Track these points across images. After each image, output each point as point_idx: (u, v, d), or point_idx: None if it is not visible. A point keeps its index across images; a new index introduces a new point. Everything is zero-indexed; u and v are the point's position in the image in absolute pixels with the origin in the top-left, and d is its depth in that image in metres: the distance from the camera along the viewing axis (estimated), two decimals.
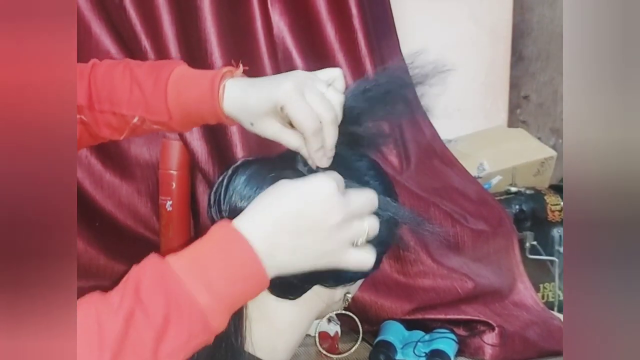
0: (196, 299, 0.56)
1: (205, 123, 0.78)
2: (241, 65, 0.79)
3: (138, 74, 0.80)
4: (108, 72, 0.81)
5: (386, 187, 0.73)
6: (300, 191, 0.61)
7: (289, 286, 0.69)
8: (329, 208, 0.60)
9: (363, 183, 0.70)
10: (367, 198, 0.63)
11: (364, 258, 0.63)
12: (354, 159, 0.73)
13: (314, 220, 0.60)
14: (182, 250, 0.59)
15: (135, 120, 0.79)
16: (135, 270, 0.58)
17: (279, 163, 0.70)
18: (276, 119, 0.70)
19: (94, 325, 0.54)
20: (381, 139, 0.75)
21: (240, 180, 0.68)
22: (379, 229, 0.67)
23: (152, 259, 0.59)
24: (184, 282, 0.56)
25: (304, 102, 0.67)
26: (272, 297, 0.70)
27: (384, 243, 0.72)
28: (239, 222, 0.60)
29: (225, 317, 0.59)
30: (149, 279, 0.57)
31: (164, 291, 0.56)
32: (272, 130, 0.70)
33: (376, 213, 0.67)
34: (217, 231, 0.60)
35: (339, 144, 0.70)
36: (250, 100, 0.72)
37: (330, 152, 0.69)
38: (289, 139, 0.70)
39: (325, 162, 0.69)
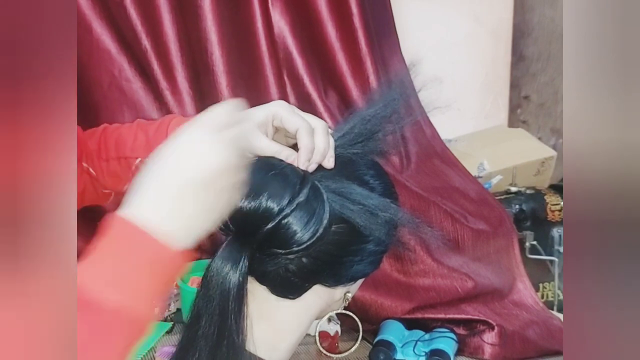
0: (106, 302, 0.54)
1: None
2: None
3: (144, 124, 0.87)
4: (118, 127, 0.90)
5: (386, 186, 0.74)
6: (167, 155, 0.58)
7: (289, 286, 0.69)
8: (210, 152, 0.58)
9: (363, 182, 0.70)
10: (224, 111, 0.61)
11: (270, 145, 0.66)
12: (353, 158, 0.73)
13: (208, 170, 0.58)
14: (88, 257, 0.57)
15: (137, 161, 0.84)
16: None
17: (280, 162, 0.70)
18: (261, 131, 0.72)
19: None
20: (388, 151, 0.76)
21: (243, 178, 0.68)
22: (379, 230, 0.68)
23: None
24: (93, 289, 0.54)
25: (296, 112, 0.71)
26: (273, 297, 0.70)
27: (382, 243, 0.72)
28: (126, 209, 0.57)
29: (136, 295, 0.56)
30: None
31: (81, 301, 0.53)
32: (258, 139, 0.71)
33: (375, 214, 0.67)
34: (111, 228, 0.57)
35: (338, 145, 0.71)
36: (242, 117, 0.74)
37: (320, 158, 0.69)
38: (272, 148, 0.71)
39: (311, 168, 0.69)
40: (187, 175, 0.57)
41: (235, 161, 0.59)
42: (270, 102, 0.74)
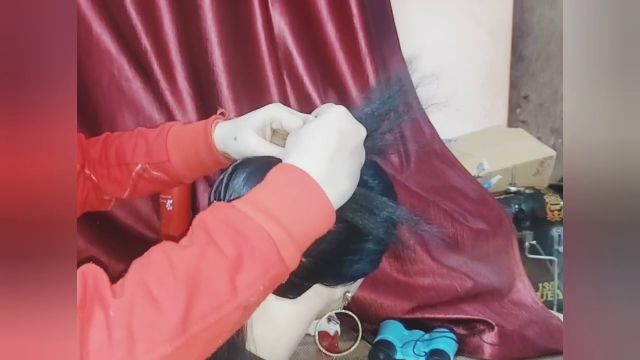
0: (265, 229, 0.56)
1: (200, 162, 0.83)
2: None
3: (145, 131, 0.90)
4: (119, 135, 0.92)
5: (385, 186, 0.74)
6: (327, 122, 0.64)
7: (289, 285, 0.69)
8: (355, 126, 0.65)
9: (362, 182, 0.70)
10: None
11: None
12: None
13: (348, 139, 0.64)
14: (247, 194, 0.60)
15: (138, 168, 0.86)
16: (200, 215, 0.58)
17: (278, 161, 0.70)
18: (258, 134, 0.73)
19: (165, 264, 0.54)
20: (386, 150, 0.76)
21: (240, 179, 0.68)
22: (378, 229, 0.68)
23: (216, 205, 0.59)
24: (251, 217, 0.57)
25: (294, 112, 0.74)
26: (272, 296, 0.70)
27: (382, 242, 0.72)
28: (295, 160, 0.62)
29: (296, 251, 0.59)
30: (216, 220, 0.57)
31: (232, 228, 0.56)
32: (254, 142, 0.73)
33: (374, 213, 0.67)
34: (277, 171, 0.61)
35: None
36: (239, 122, 0.77)
37: None
38: (268, 150, 0.73)
39: None
40: (349, 145, 0.64)
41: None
42: (266, 105, 0.75)
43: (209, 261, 0.54)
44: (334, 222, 0.62)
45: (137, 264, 0.54)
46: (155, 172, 0.86)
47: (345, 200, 0.63)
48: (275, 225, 0.57)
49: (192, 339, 0.52)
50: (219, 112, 0.86)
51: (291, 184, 0.60)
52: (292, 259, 0.58)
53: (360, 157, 0.65)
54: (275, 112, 0.74)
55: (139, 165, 0.86)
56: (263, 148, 0.72)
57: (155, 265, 0.54)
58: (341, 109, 0.65)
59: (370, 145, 0.73)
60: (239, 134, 0.74)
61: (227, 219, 0.57)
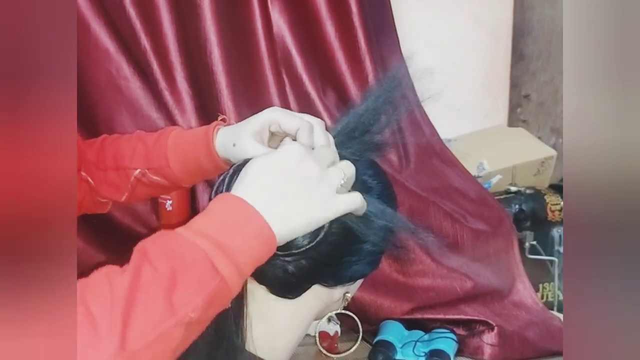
0: (198, 245, 0.57)
1: (200, 167, 0.83)
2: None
3: (144, 135, 0.89)
4: (117, 137, 0.91)
5: (384, 186, 0.73)
6: (277, 158, 0.64)
7: (288, 286, 0.69)
8: (305, 164, 0.63)
9: (361, 182, 0.70)
10: (331, 149, 0.68)
11: (352, 198, 0.65)
12: (352, 158, 0.72)
13: (298, 178, 0.63)
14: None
15: (137, 172, 0.86)
16: (141, 242, 0.59)
17: None
18: (256, 139, 0.73)
19: (104, 285, 0.54)
20: (384, 146, 0.76)
21: None
22: (375, 236, 0.67)
23: (157, 233, 0.60)
24: (185, 236, 0.57)
25: (291, 113, 0.73)
26: (272, 297, 0.70)
27: (378, 246, 0.72)
28: (238, 193, 0.62)
29: (232, 266, 0.58)
30: (152, 243, 0.58)
31: (167, 247, 0.57)
32: (252, 147, 0.73)
33: (371, 220, 0.67)
34: (216, 200, 0.61)
35: (337, 145, 0.71)
36: (238, 128, 0.77)
37: None
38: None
39: None
40: (294, 181, 0.63)
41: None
42: (264, 110, 0.75)
43: (144, 280, 0.54)
44: (275, 249, 0.61)
45: (80, 284, 0.55)
46: (154, 177, 0.85)
47: (297, 235, 0.63)
48: (207, 240, 0.57)
49: (134, 356, 0.52)
50: (220, 118, 0.85)
51: (228, 209, 0.60)
52: (230, 274, 0.58)
53: (319, 197, 0.63)
54: (272, 116, 0.74)
55: (138, 170, 0.86)
56: (260, 152, 0.72)
57: (95, 287, 0.54)
58: (296, 148, 0.64)
59: (368, 141, 0.73)
60: (238, 140, 0.74)
61: (162, 240, 0.58)
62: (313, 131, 0.70)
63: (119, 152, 0.88)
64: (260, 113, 0.75)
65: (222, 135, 0.80)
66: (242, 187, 0.62)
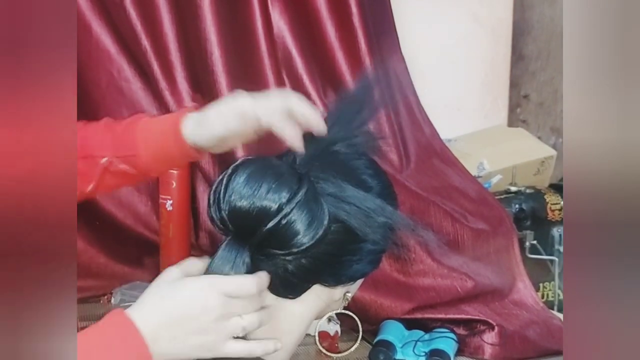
0: None
1: (168, 155, 0.82)
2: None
3: (112, 123, 0.86)
4: (84, 125, 0.87)
5: (384, 186, 0.73)
6: (183, 292, 0.65)
7: (288, 285, 0.69)
8: (205, 307, 0.64)
9: (360, 182, 0.70)
10: (249, 300, 0.67)
11: (243, 348, 0.67)
12: (351, 157, 0.72)
13: (191, 317, 0.64)
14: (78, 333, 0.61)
15: (104, 161, 0.83)
16: None
17: (278, 162, 0.70)
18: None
19: None
20: (377, 141, 0.76)
21: (240, 180, 0.68)
22: (375, 233, 0.67)
23: None
24: None
25: (259, 103, 0.74)
26: (272, 297, 0.70)
27: (378, 244, 0.72)
28: (132, 310, 0.64)
29: None
30: None
31: None
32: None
33: (370, 217, 0.67)
34: (110, 318, 0.63)
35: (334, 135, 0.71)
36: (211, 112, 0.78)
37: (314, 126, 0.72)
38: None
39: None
40: (186, 318, 0.64)
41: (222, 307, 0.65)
42: (278, 95, 0.75)
43: None
44: None
45: None
46: (122, 166, 0.83)
47: None
48: None
49: None
50: (192, 105, 0.85)
51: (116, 333, 0.62)
52: None
53: (199, 334, 0.65)
54: (291, 104, 0.74)
55: (105, 159, 0.83)
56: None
57: None
58: (205, 283, 0.65)
59: (352, 142, 0.73)
60: (215, 126, 0.76)
61: None
62: (292, 113, 0.72)
63: (86, 140, 0.85)
64: (276, 97, 0.75)
65: (191, 124, 0.79)
66: (140, 306, 0.64)
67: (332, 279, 0.72)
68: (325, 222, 0.66)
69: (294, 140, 0.71)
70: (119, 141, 0.83)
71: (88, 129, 0.87)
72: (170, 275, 0.67)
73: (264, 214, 0.65)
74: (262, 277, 0.67)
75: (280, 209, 0.65)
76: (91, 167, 0.84)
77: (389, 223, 0.69)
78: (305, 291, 0.71)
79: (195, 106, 0.82)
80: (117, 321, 0.63)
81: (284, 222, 0.65)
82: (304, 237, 0.65)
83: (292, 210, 0.65)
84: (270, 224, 0.65)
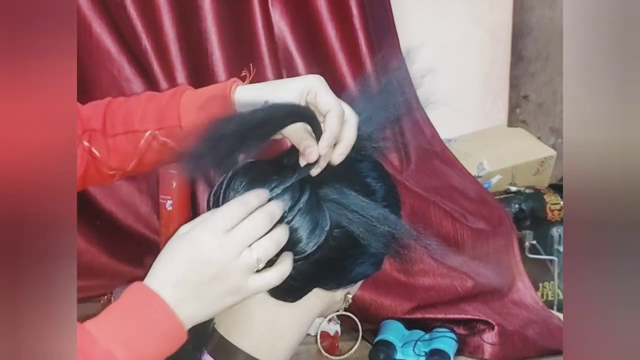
0: (114, 355, 0.57)
1: None
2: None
3: (153, 95, 0.82)
4: (125, 100, 0.84)
5: (388, 189, 0.73)
6: (184, 245, 0.63)
7: (289, 288, 0.69)
8: (208, 253, 0.62)
9: (364, 185, 0.70)
10: (253, 227, 0.63)
11: (267, 279, 0.64)
12: (355, 159, 0.72)
13: (201, 268, 0.62)
14: (99, 314, 0.60)
15: (147, 134, 0.79)
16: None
17: (279, 166, 0.70)
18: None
19: None
20: (384, 144, 0.75)
21: (243, 182, 0.67)
22: (377, 241, 0.67)
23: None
24: (100, 342, 0.57)
25: (331, 93, 0.69)
26: (272, 299, 0.70)
27: (379, 254, 0.71)
28: (149, 280, 0.62)
29: None
30: None
31: (82, 352, 0.56)
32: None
33: (374, 226, 0.67)
34: (130, 292, 0.62)
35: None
36: (273, 85, 0.73)
37: (346, 149, 0.68)
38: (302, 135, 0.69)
39: (327, 152, 0.67)
40: (202, 271, 0.62)
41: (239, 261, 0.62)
42: (306, 75, 0.72)
43: None
44: (185, 338, 0.62)
45: None
46: (164, 139, 0.79)
47: (201, 320, 0.64)
48: (123, 349, 0.58)
49: None
50: (242, 74, 0.81)
51: (142, 308, 0.61)
52: None
53: (225, 282, 0.62)
54: (315, 84, 0.70)
55: (149, 132, 0.79)
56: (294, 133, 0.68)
57: None
58: (206, 235, 0.62)
59: (368, 145, 0.73)
60: (274, 99, 0.69)
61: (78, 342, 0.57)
62: (343, 120, 0.68)
63: (129, 114, 0.81)
64: (301, 77, 0.72)
65: (245, 91, 0.75)
66: (159, 277, 0.62)
67: (333, 282, 0.72)
68: (327, 229, 0.65)
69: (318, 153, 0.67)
70: (162, 112, 0.79)
71: (129, 104, 0.83)
72: (179, 231, 0.65)
73: None
74: (255, 192, 0.64)
75: (282, 216, 0.64)
76: (134, 142, 0.81)
77: (392, 233, 0.68)
78: (305, 294, 0.71)
79: (245, 76, 0.80)
80: (139, 296, 0.61)
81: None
82: (307, 245, 0.65)
83: (294, 218, 0.65)
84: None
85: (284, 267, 0.64)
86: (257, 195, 0.64)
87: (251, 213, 0.63)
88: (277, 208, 0.64)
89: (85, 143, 0.83)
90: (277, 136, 0.70)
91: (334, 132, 0.67)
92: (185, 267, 0.62)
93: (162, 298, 0.60)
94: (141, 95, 0.83)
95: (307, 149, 0.66)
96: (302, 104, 0.70)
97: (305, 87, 0.70)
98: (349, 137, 0.68)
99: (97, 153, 0.83)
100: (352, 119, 0.68)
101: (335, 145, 0.68)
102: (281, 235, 0.64)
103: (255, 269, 0.63)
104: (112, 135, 0.82)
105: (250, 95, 0.74)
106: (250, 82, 1.34)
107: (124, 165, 0.83)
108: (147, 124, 0.80)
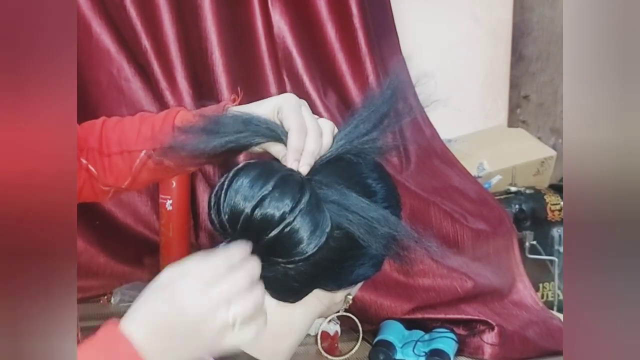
0: None
1: None
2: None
3: (148, 116, 0.85)
4: (119, 120, 0.87)
5: (388, 190, 0.73)
6: (163, 294, 0.62)
7: (288, 290, 0.69)
8: (184, 307, 0.61)
9: (365, 186, 0.70)
10: (233, 286, 0.62)
11: (241, 338, 0.63)
12: (356, 160, 0.72)
13: (176, 321, 0.61)
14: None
15: (142, 154, 0.82)
16: None
17: (280, 166, 0.70)
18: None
19: None
20: (386, 146, 0.75)
21: (244, 182, 0.67)
22: (377, 243, 0.67)
23: None
24: None
25: (299, 110, 0.71)
26: (273, 301, 0.70)
27: (379, 255, 0.71)
28: (124, 322, 0.61)
29: None
30: None
31: None
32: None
33: (374, 227, 0.67)
34: (104, 331, 0.61)
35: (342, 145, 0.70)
36: (249, 108, 0.75)
37: (310, 159, 0.69)
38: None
39: (296, 166, 0.69)
40: (180, 319, 0.61)
41: (222, 315, 0.62)
42: (280, 95, 0.73)
43: None
44: None
45: None
46: (158, 157, 0.81)
47: None
48: None
49: None
50: (231, 97, 0.83)
51: (110, 346, 0.60)
52: None
53: (198, 339, 0.62)
54: (282, 104, 0.71)
55: (144, 152, 0.82)
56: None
57: None
58: (188, 290, 0.62)
59: (370, 146, 0.72)
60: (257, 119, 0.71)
61: None
62: (306, 134, 0.69)
63: (124, 135, 0.84)
64: (274, 97, 0.73)
65: (236, 109, 0.76)
66: (136, 318, 0.61)
67: (334, 283, 0.71)
68: (328, 230, 0.65)
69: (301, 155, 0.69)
70: (157, 134, 0.81)
71: (124, 124, 0.86)
72: (164, 273, 0.64)
73: (266, 222, 0.64)
74: (239, 247, 0.64)
75: (283, 217, 0.64)
76: (129, 161, 0.84)
77: (392, 234, 0.68)
78: (306, 295, 0.70)
79: (235, 98, 0.81)
80: (111, 337, 0.60)
81: (286, 230, 0.64)
82: (307, 246, 0.65)
83: (295, 218, 0.64)
84: (273, 233, 0.64)
85: (260, 324, 0.64)
86: (241, 252, 0.64)
87: (233, 269, 0.63)
88: (257, 268, 0.65)
89: (83, 160, 0.86)
90: (257, 149, 0.72)
91: (293, 147, 0.69)
92: (161, 316, 0.62)
93: (131, 342, 0.60)
94: (135, 116, 0.86)
95: (284, 161, 0.70)
96: (277, 122, 0.72)
97: (275, 106, 0.72)
98: (309, 149, 0.69)
99: (94, 170, 0.86)
100: (313, 131, 0.69)
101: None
102: (259, 296, 0.64)
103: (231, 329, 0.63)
104: (108, 154, 0.85)
105: (237, 108, 0.76)
106: (249, 81, 1.35)
107: (119, 182, 0.86)
108: (143, 144, 0.83)
